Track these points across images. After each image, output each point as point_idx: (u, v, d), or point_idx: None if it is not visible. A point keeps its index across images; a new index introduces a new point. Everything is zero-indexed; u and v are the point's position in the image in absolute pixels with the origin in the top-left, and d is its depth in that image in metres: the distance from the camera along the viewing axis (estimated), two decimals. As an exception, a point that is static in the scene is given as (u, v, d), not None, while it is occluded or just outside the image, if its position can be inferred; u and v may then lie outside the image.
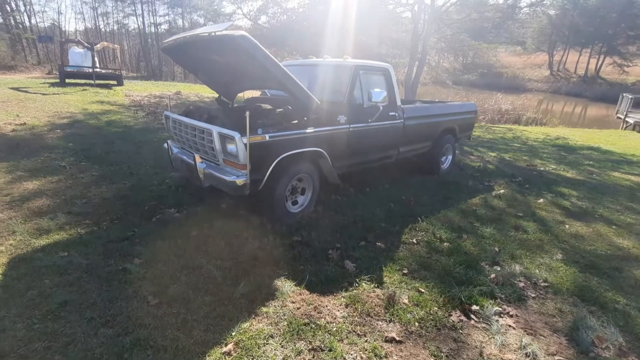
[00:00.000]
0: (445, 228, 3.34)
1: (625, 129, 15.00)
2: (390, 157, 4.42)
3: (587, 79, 35.53)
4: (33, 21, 34.27)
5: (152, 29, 37.78)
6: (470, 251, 2.92)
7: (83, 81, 14.26)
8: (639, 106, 15.06)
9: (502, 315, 2.14)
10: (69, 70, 14.44)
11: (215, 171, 3.00)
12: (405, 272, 2.54)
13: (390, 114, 4.12)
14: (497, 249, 2.96)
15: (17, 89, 11.06)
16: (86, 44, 15.14)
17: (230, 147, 2.83)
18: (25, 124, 6.71)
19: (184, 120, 3.36)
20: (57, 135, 6.17)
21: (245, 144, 2.72)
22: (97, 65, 16.82)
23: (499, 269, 2.67)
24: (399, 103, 4.26)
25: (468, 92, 23.00)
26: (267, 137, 2.87)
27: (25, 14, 32.93)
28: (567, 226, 3.65)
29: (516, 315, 2.16)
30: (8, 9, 30.62)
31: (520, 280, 2.52)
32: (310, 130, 3.20)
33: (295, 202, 3.43)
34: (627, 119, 15.00)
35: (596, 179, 5.87)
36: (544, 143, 9.51)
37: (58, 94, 10.91)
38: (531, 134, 11.11)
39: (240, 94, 4.51)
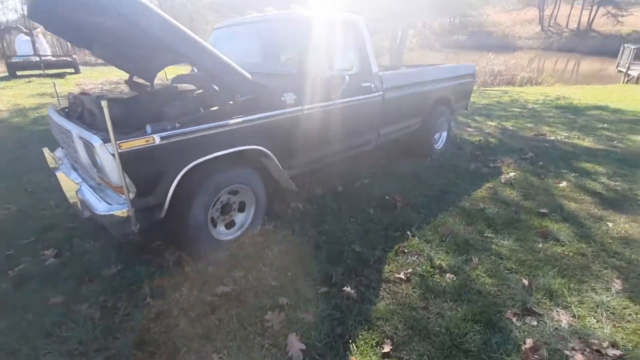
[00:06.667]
0: (446, 246, 2.34)
1: (626, 83, 13.98)
2: (368, 143, 3.36)
3: (580, 33, 33.99)
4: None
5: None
6: (486, 289, 1.94)
7: (37, 72, 12.60)
8: (642, 57, 13.96)
9: None
10: (14, 61, 12.77)
11: (89, 197, 1.94)
12: (386, 349, 1.55)
13: (364, 85, 3.01)
14: (524, 281, 1.98)
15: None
16: (24, 30, 13.38)
17: (98, 158, 1.75)
18: None
19: (51, 116, 2.26)
20: (-40, 140, 4.95)
21: (113, 155, 1.64)
22: (48, 52, 15.09)
23: (535, 323, 1.70)
24: (375, 70, 3.15)
25: (457, 54, 21.64)
26: (156, 138, 1.78)
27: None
28: (609, 224, 2.68)
29: None
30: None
31: (574, 348, 1.55)
32: (237, 120, 2.11)
33: (230, 224, 2.40)
34: (629, 72, 13.93)
35: (619, 147, 4.90)
36: (545, 105, 8.50)
37: (-6, 88, 9.47)
38: (529, 96, 10.09)
39: (162, 72, 3.36)
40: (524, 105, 8.44)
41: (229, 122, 2.06)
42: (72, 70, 13.68)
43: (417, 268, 2.11)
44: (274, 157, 2.33)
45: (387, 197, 3.04)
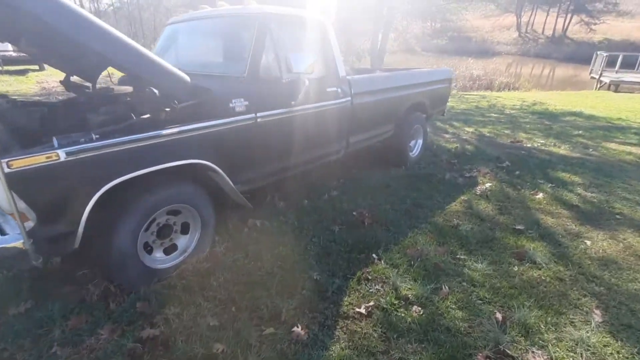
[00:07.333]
0: (415, 271, 2.11)
1: (599, 89, 14.36)
2: (337, 153, 3.12)
3: (555, 40, 35.09)
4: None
5: (95, 5, 33.43)
6: (456, 326, 1.71)
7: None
8: (613, 64, 14.36)
9: None
10: (-33, 57, 11.86)
11: (-19, 224, 1.60)
12: (335, 413, 1.30)
13: (329, 90, 2.76)
14: (498, 315, 1.77)
15: None
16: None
17: (-14, 179, 1.42)
18: None
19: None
20: None
21: (-2, 176, 1.32)
22: (9, 47, 14.17)
23: (509, 370, 1.48)
24: (342, 74, 2.90)
25: (438, 58, 21.85)
26: (61, 154, 1.46)
27: None
28: (587, 242, 2.52)
29: None
30: None
31: (552, 404, 1.34)
32: (172, 130, 1.81)
33: (171, 248, 2.09)
34: (601, 79, 14.31)
35: (594, 155, 4.85)
36: (522, 110, 8.55)
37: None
38: (506, 101, 10.17)
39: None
40: (502, 111, 8.45)
41: (161, 132, 1.76)
42: (37, 67, 12.89)
43: (381, 299, 1.87)
44: (221, 172, 2.04)
45: (354, 213, 2.79)
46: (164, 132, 1.76)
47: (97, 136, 1.60)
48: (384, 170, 3.84)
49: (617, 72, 14.04)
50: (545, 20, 36.69)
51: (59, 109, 2.22)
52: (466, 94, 11.87)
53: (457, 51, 28.98)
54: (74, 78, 2.77)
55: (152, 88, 1.95)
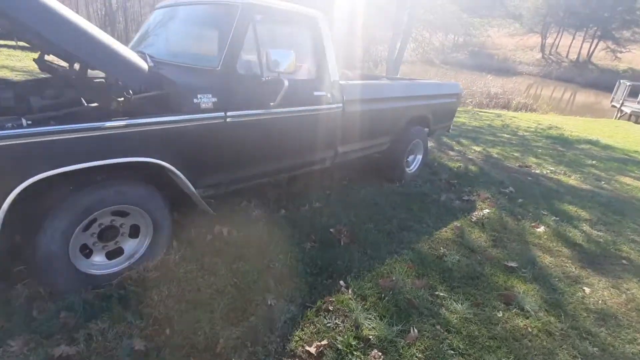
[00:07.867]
0: (383, 306, 1.87)
1: (619, 119, 13.86)
2: (322, 162, 2.89)
3: (579, 64, 34.31)
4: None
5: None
6: (418, 381, 1.47)
7: (12, 42, 11.84)
8: (636, 95, 13.82)
9: None
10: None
11: None
12: None
13: (317, 94, 2.54)
14: (470, 372, 1.52)
15: None
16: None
17: None
18: None
19: None
20: None
21: None
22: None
23: None
24: (334, 78, 2.68)
25: (457, 72, 21.44)
26: (-28, 139, 1.27)
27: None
28: (586, 290, 2.24)
29: None
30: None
31: None
32: (119, 123, 1.60)
33: (117, 252, 1.88)
34: (622, 108, 13.80)
35: (606, 188, 4.53)
36: (536, 134, 8.21)
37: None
38: (522, 122, 9.84)
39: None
40: (515, 132, 8.14)
41: (105, 124, 1.56)
42: (53, 45, 12.99)
43: (337, 337, 1.63)
44: (179, 174, 1.84)
45: (332, 230, 2.56)
46: (109, 124, 1.56)
47: (29, 122, 1.42)
48: (376, 185, 3.60)
49: (638, 102, 13.51)
50: (571, 43, 35.92)
51: (20, 89, 2.05)
52: (481, 111, 11.53)
53: (478, 67, 28.48)
54: (49, 57, 2.61)
55: (115, 75, 1.77)
